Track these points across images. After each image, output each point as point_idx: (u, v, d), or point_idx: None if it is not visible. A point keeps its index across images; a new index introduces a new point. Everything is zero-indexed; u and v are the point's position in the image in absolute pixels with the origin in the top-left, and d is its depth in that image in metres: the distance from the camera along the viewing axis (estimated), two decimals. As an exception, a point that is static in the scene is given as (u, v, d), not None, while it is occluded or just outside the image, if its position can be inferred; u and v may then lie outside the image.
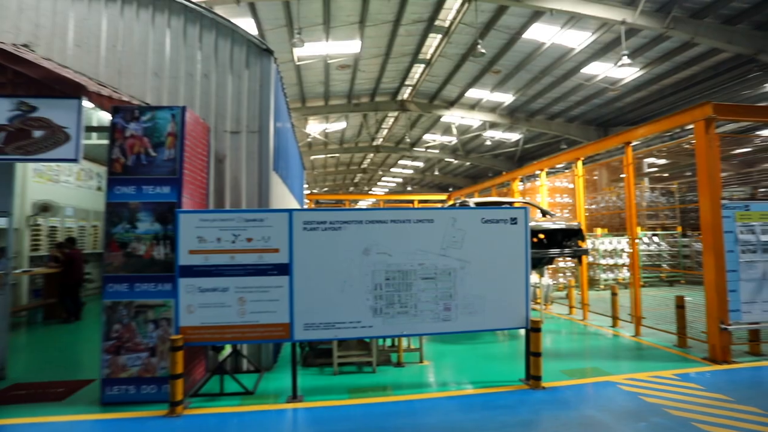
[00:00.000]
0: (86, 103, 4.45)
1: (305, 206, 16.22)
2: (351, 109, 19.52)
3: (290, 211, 4.86)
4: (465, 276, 5.22)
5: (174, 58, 5.71)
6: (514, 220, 5.46)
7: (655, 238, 14.86)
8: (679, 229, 15.63)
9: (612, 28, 12.52)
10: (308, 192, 34.33)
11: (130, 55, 5.43)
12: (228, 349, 5.32)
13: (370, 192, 42.69)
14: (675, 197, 16.76)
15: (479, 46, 12.32)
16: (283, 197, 7.56)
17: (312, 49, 13.66)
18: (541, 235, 8.11)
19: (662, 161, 20.54)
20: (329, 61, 15.02)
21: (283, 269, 4.78)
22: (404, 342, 6.28)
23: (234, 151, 5.88)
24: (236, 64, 5.93)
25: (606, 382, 5.26)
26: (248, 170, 5.90)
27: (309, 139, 24.08)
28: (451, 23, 12.83)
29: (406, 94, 18.84)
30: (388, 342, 6.57)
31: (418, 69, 16.52)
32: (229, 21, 5.92)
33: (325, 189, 43.23)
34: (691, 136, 15.15)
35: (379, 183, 42.00)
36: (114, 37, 5.39)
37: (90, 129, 5.73)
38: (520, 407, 4.53)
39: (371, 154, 29.28)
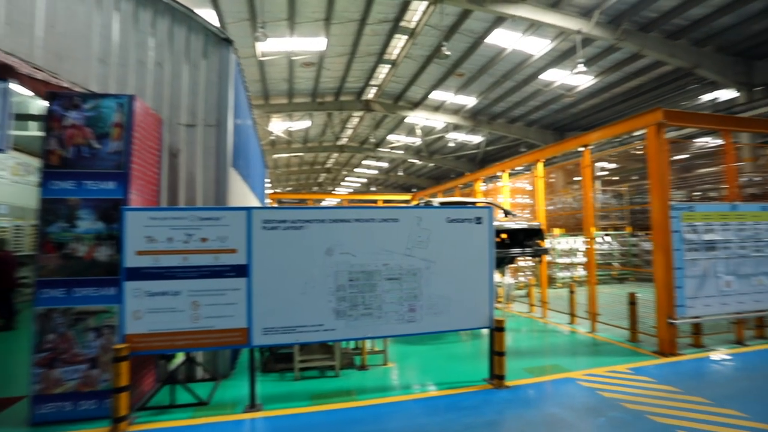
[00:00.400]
0: (18, 88, 3.97)
1: (267, 205, 15.70)
2: (315, 108, 19.14)
3: (249, 209, 4.57)
4: (430, 276, 5.11)
5: (123, 44, 5.24)
6: (478, 220, 5.41)
7: (608, 238, 15.48)
8: (629, 230, 16.36)
9: (569, 37, 12.89)
10: (271, 192, 33.51)
11: (72, 38, 4.92)
12: (180, 357, 4.94)
13: (334, 192, 42.23)
14: (624, 199, 17.55)
15: (444, 48, 12.37)
16: (242, 195, 7.20)
17: (276, 45, 13.23)
18: (504, 235, 8.16)
19: (612, 165, 21.50)
20: (293, 58, 14.62)
21: (241, 271, 4.48)
22: (368, 344, 6.10)
23: (189, 145, 5.49)
24: (193, 54, 5.54)
25: (566, 379, 5.31)
26: (205, 166, 5.53)
27: (272, 138, 23.43)
28: (417, 25, 12.78)
29: (371, 94, 18.67)
30: (352, 344, 6.37)
31: (383, 69, 16.39)
32: (186, 7, 5.52)
33: (289, 188, 42.36)
34: (639, 141, 15.87)
35: (343, 183, 41.62)
36: (52, 17, 4.87)
37: (25, 117, 5.18)
38: (484, 408, 4.47)
39: (335, 154, 28.91)
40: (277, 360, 5.78)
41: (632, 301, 7.10)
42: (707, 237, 6.57)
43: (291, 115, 20.65)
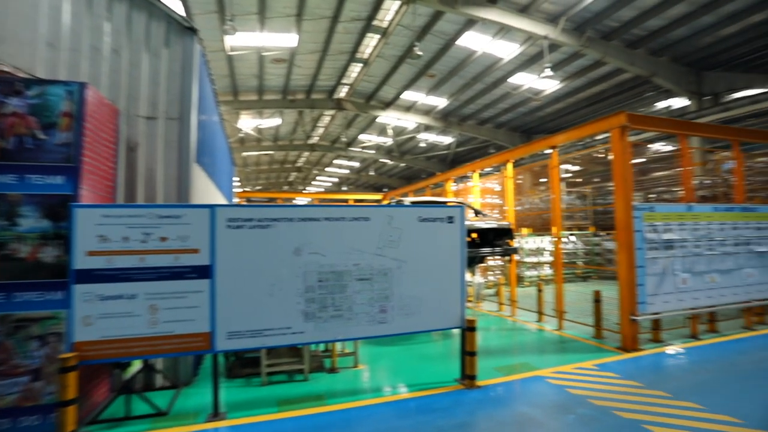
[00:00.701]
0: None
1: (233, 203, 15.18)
2: (286, 105, 18.69)
3: (212, 206, 4.29)
4: (401, 276, 4.99)
5: (75, 28, 4.82)
6: (450, 219, 5.33)
7: (572, 238, 15.88)
8: (592, 229, 16.85)
9: (536, 42, 13.10)
10: (240, 190, 32.63)
11: (15, 18, 4.47)
12: (137, 365, 4.59)
13: (305, 191, 41.61)
14: (588, 200, 18.08)
15: (416, 49, 12.30)
16: (207, 193, 6.85)
17: (245, 40, 12.77)
18: (474, 235, 8.16)
19: (576, 168, 22.15)
20: (264, 54, 14.19)
21: (204, 272, 4.20)
22: (338, 346, 5.92)
23: (149, 138, 5.13)
24: (154, 42, 5.18)
25: (535, 377, 5.31)
26: (166, 161, 5.18)
27: (241, 135, 22.75)
28: (389, 24, 12.66)
29: (343, 92, 18.40)
30: (322, 347, 6.17)
31: (355, 68, 16.17)
32: (146, -7, 5.16)
33: (259, 187, 41.42)
34: (601, 145, 16.35)
35: (314, 182, 41.06)
36: (-8, -3, 4.42)
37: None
38: (456, 409, 4.38)
39: (306, 153, 28.43)
40: (243, 365, 5.50)
41: (597, 299, 7.23)
42: (666, 236, 6.77)
43: (261, 113, 20.12)
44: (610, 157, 20.85)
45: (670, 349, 6.45)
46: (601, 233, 16.26)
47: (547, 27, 12.27)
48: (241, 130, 21.44)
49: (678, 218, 6.87)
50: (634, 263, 6.41)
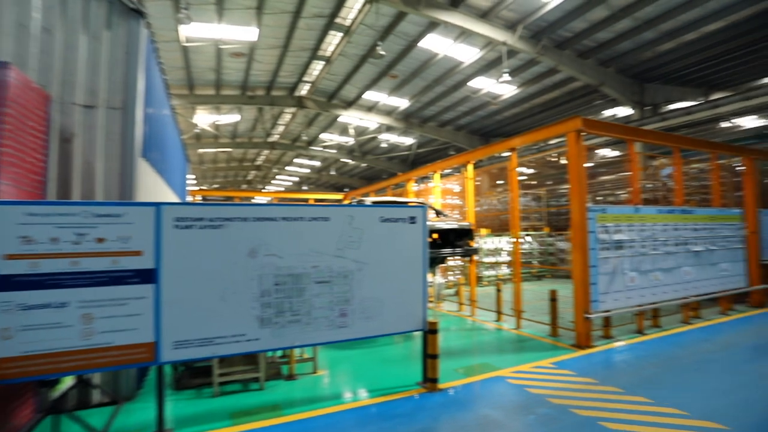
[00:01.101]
0: None
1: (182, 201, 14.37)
2: (245, 101, 17.95)
3: (158, 204, 3.89)
4: (362, 278, 4.79)
5: (-4, 2, 4.24)
6: (412, 219, 5.20)
7: (528, 238, 16.31)
8: (546, 230, 17.39)
9: (495, 47, 13.31)
10: (197, 188, 31.18)
11: None
12: (69, 381, 4.09)
13: (264, 190, 40.43)
14: (542, 202, 18.66)
15: (379, 48, 12.15)
16: (156, 191, 6.33)
17: (202, 31, 12.07)
18: (435, 235, 8.10)
19: (530, 171, 22.86)
20: (222, 47, 13.50)
21: (148, 276, 3.80)
22: (296, 351, 5.63)
23: (88, 129, 4.61)
24: (93, 22, 4.66)
25: (496, 378, 5.27)
26: (107, 155, 4.69)
27: (197, 131, 21.68)
28: (352, 23, 12.40)
29: (304, 90, 17.92)
30: (279, 353, 5.85)
31: (317, 66, 15.77)
32: (83, -31, 4.63)
33: (216, 185, 39.83)
34: (554, 149, 16.87)
35: (273, 181, 39.97)
36: None
37: None
38: (419, 414, 4.23)
39: (266, 151, 27.58)
40: (192, 375, 5.09)
41: (553, 298, 7.36)
42: (616, 237, 6.98)
43: (218, 108, 19.23)
44: (563, 161, 21.68)
45: (621, 345, 6.65)
46: (555, 234, 16.81)
47: (505, 33, 12.49)
48: (197, 125, 20.43)
49: (627, 220, 7.12)
50: (588, 263, 6.55)
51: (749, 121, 20.09)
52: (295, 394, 4.86)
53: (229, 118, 20.52)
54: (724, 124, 19.37)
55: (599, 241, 6.75)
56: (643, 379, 5.14)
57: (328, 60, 15.02)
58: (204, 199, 22.19)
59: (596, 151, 20.76)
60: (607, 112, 18.52)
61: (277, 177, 38.09)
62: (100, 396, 4.42)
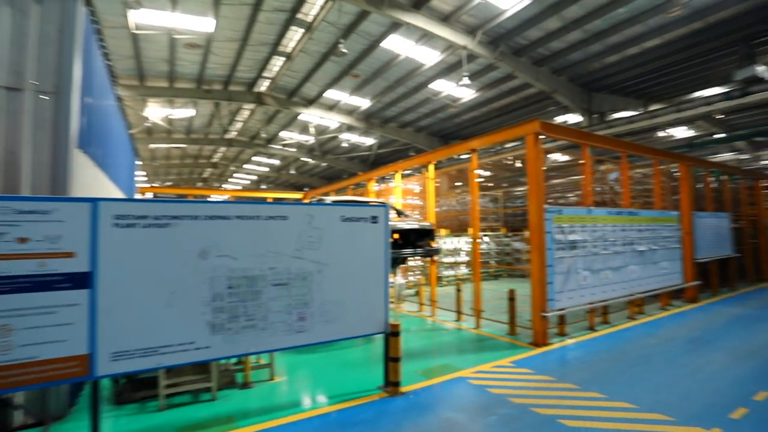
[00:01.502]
0: None
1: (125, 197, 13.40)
2: (201, 96, 17.03)
3: (94, 200, 3.46)
4: (322, 280, 4.54)
5: None
6: (374, 219, 5.01)
7: (486, 239, 16.60)
8: (503, 230, 17.79)
9: (456, 51, 13.40)
10: (147, 186, 29.34)
11: None
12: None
13: (221, 188, 38.82)
14: (499, 203, 19.08)
15: (341, 46, 11.87)
16: (97, 187, 5.74)
17: (154, 18, 11.24)
18: (396, 235, 7.96)
19: (487, 173, 23.39)
20: (176, 37, 12.67)
21: (81, 281, 3.36)
22: (252, 357, 5.27)
23: (11, 114, 4.05)
24: (19, -4, 4.10)
25: (457, 379, 5.19)
26: (35, 144, 4.13)
27: (148, 124, 20.34)
28: (314, 19, 12.03)
29: (263, 86, 17.26)
30: (233, 360, 5.46)
31: (277, 61, 15.21)
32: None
33: (169, 183, 37.78)
34: (509, 152, 17.24)
35: (231, 179, 38.47)
36: None
37: None
38: (381, 420, 4.05)
39: (223, 148, 26.43)
40: (135, 387, 4.61)
41: (511, 297, 7.42)
42: (571, 237, 7.15)
43: (172, 101, 18.13)
44: (518, 164, 22.27)
45: (574, 342, 6.80)
46: (511, 234, 17.22)
47: (465, 38, 12.59)
48: (148, 119, 19.16)
49: (581, 221, 7.31)
50: (545, 262, 6.65)
51: (681, 132, 21.64)
52: (250, 403, 4.53)
53: (184, 112, 19.41)
54: (661, 134, 20.74)
55: (555, 242, 6.87)
56: (596, 375, 5.24)
57: (288, 56, 14.54)
58: (155, 197, 20.87)
59: (547, 156, 21.58)
60: (559, 119, 19.25)
61: (235, 175, 36.71)
62: (23, 417, 3.88)
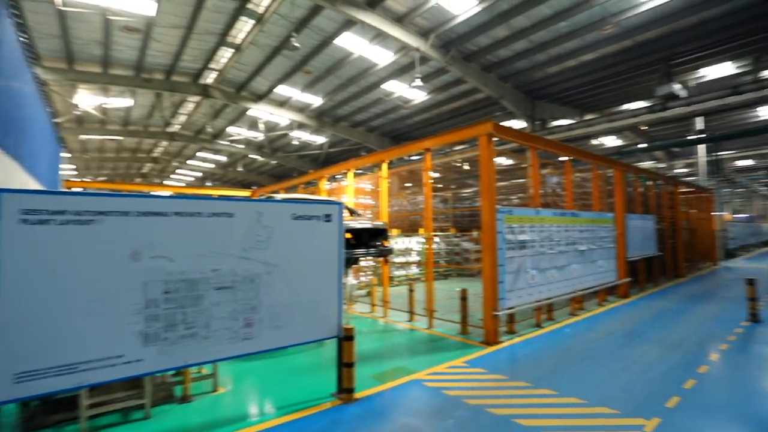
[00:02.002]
0: None
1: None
2: (140, 84, 15.64)
3: (-6, 193, 2.87)
4: (271, 282, 4.17)
5: None
6: (327, 217, 4.71)
7: (436, 239, 16.74)
8: (453, 231, 18.05)
9: (409, 52, 13.37)
10: (77, 180, 26.64)
11: None
12: None
13: (163, 184, 36.25)
14: (449, 204, 19.35)
15: (293, 40, 11.38)
16: (8, 179, 4.92)
17: (84, -4, 10.10)
18: (349, 235, 7.68)
19: (436, 174, 23.72)
20: (111, 18, 11.48)
21: (-25, 288, 2.76)
22: (193, 368, 4.75)
23: None
24: None
25: (412, 381, 5.01)
26: None
27: (78, 113, 18.41)
28: (266, 11, 11.40)
29: (210, 78, 16.20)
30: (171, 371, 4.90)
31: (225, 53, 14.32)
32: None
33: (103, 177, 34.71)
34: (457, 154, 17.52)
35: (173, 176, 36.07)
36: None
37: None
38: (335, 430, 3.76)
39: (165, 142, 24.63)
40: (50, 410, 3.94)
41: (463, 297, 7.40)
42: (521, 237, 7.26)
43: (106, 89, 16.52)
44: (466, 166, 22.71)
45: (523, 339, 6.90)
46: (460, 234, 17.50)
47: (419, 40, 12.57)
48: (78, 107, 17.32)
49: (529, 221, 7.45)
50: (496, 262, 6.68)
51: (611, 141, 23.28)
52: (190, 419, 4.04)
53: (120, 101, 17.79)
54: (594, 142, 22.16)
55: (506, 242, 6.94)
56: (546, 372, 5.29)
57: (238, 48, 13.72)
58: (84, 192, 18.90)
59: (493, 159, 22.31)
60: (505, 124, 19.84)
61: (178, 171, 34.46)
62: None
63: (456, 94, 17.12)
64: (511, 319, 7.30)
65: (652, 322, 7.87)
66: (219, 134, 23.17)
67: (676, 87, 14.31)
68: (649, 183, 13.59)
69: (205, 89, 16.64)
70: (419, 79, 13.48)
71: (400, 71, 14.99)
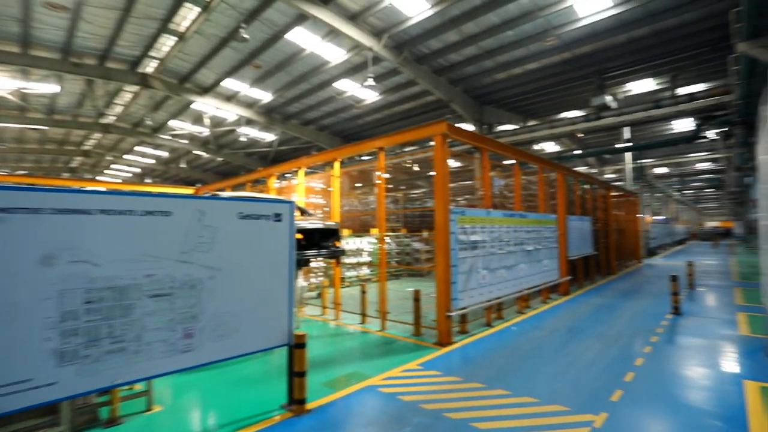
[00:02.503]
0: None
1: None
2: (68, 69, 14.01)
3: None
4: (215, 288, 3.76)
5: None
6: (278, 217, 4.36)
7: (387, 239, 16.63)
8: (403, 231, 18.06)
9: (362, 51, 13.14)
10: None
11: None
12: None
13: (95, 180, 33.12)
14: (399, 205, 19.34)
15: (242, 31, 10.74)
16: None
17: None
18: (300, 235, 7.30)
19: (386, 175, 23.70)
20: (30, -8, 10.18)
21: None
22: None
23: None
24: None
25: (367, 388, 4.78)
26: None
27: (-10, 98, 16.24)
28: (212, -2, 10.66)
29: (150, 67, 14.91)
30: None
31: (167, 41, 13.20)
32: None
33: (23, 171, 31.03)
34: (407, 155, 17.54)
35: (107, 171, 33.10)
36: None
37: None
38: (284, 449, 3.44)
39: (98, 134, 22.44)
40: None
41: (416, 298, 7.29)
42: (473, 238, 7.29)
43: (27, 72, 14.67)
44: (416, 168, 22.83)
45: (475, 339, 6.91)
46: (410, 235, 17.54)
47: (372, 39, 12.39)
48: (-11, 91, 15.26)
49: (481, 222, 7.51)
50: (450, 263, 6.64)
51: (550, 146, 24.57)
52: (115, 446, 3.53)
53: (44, 87, 15.89)
54: (536, 147, 23.24)
55: (459, 242, 6.92)
56: (499, 372, 5.29)
57: (181, 37, 12.73)
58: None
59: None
60: (454, 128, 20.30)
61: (113, 167, 31.69)
62: None
63: (408, 95, 17.17)
64: (463, 319, 7.31)
65: (592, 318, 8.26)
66: (160, 128, 21.51)
67: (608, 99, 15.33)
68: (587, 186, 14.42)
69: (145, 78, 15.32)
70: (372, 79, 13.31)
71: (353, 70, 14.73)
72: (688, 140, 17.72)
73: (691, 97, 14.35)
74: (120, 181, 34.69)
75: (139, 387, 4.34)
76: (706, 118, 15.57)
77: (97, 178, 33.84)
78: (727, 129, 15.47)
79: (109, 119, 20.20)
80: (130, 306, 3.25)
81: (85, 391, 3.05)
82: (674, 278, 8.67)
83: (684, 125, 20.21)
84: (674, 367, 5.39)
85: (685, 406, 4.22)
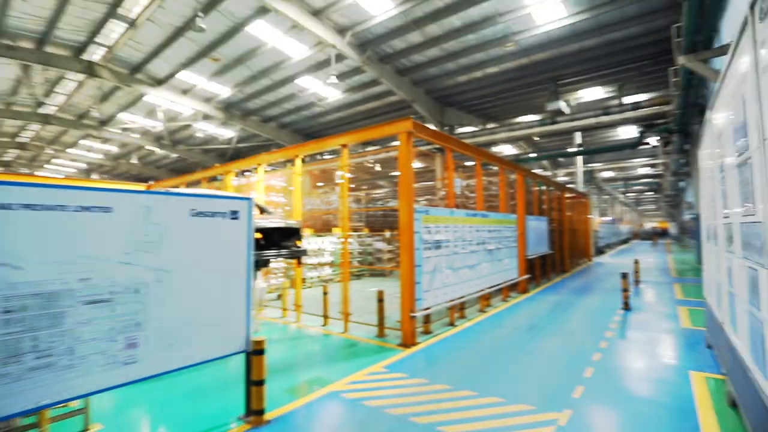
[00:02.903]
0: None
1: None
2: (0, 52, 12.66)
3: None
4: (163, 292, 3.39)
5: None
6: (234, 214, 4.03)
7: (349, 239, 16.35)
8: (366, 231, 17.84)
9: (325, 48, 12.83)
10: None
11: None
12: None
13: (33, 175, 30.33)
14: (361, 204, 19.11)
15: (199, 20, 10.12)
16: None
17: None
18: (259, 235, 6.91)
19: (349, 175, 23.42)
20: (-53, -36, 9.02)
21: None
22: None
23: None
24: None
25: (330, 393, 4.54)
26: None
27: None
28: (164, -17, 9.97)
29: (97, 54, 13.76)
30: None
31: (116, 27, 12.21)
32: None
33: (-54, 165, 27.90)
34: (370, 153, 17.36)
35: (48, 166, 30.45)
36: None
37: None
38: (240, 466, 3.14)
39: (37, 126, 20.52)
40: None
41: (380, 299, 7.12)
42: (437, 237, 7.22)
43: (-53, 55, 13.07)
44: (377, 168, 22.70)
45: (440, 339, 6.82)
46: (372, 235, 17.36)
47: (335, 36, 12.12)
48: None
49: (445, 221, 7.46)
50: (414, 262, 6.52)
51: (508, 149, 25.29)
52: (41, 474, 3.08)
53: (-32, 72, 14.28)
54: (495, 149, 23.82)
55: (423, 242, 6.82)
56: (464, 372, 5.21)
57: (132, 23, 11.83)
58: None
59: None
60: (416, 129, 20.37)
61: (54, 161, 29.18)
62: None
63: (371, 95, 17.01)
64: (427, 319, 7.22)
65: (550, 316, 8.45)
66: (108, 121, 19.99)
67: (562, 104, 15.95)
68: (544, 188, 14.89)
69: (91, 67, 14.11)
70: (335, 77, 13.04)
71: (316, 67, 14.37)
72: (633, 146, 18.83)
73: (636, 105, 15.23)
74: (63, 176, 31.98)
75: (75, 404, 3.85)
76: (648, 126, 16.61)
77: (36, 173, 31.04)
78: (666, 136, 16.57)
79: (50, 109, 18.49)
80: (61, 314, 2.83)
81: (3, 416, 2.60)
82: (624, 276, 9.07)
83: (629, 132, 21.49)
84: (628, 362, 5.56)
85: (640, 399, 4.32)
